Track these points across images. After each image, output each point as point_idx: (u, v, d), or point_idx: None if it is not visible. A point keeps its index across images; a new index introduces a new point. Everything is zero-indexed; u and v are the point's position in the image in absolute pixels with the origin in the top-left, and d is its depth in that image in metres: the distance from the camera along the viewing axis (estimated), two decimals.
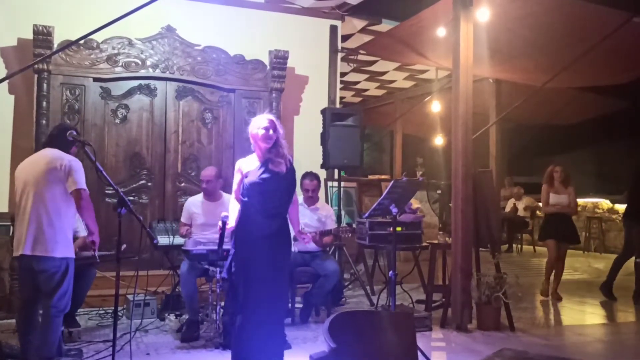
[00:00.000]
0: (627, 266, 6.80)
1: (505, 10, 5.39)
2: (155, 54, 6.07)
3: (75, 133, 3.58)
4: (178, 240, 5.09)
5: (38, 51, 5.40)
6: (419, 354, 3.07)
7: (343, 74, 8.93)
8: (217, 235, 3.88)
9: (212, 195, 5.03)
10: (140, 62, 6.00)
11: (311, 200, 5.32)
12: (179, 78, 6.21)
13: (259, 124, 3.56)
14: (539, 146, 12.54)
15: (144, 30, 6.00)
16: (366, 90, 11.00)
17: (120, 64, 5.91)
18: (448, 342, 4.73)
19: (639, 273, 6.52)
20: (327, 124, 6.15)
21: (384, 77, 9.97)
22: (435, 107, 9.17)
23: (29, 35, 5.48)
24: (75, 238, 4.05)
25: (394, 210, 4.18)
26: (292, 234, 3.88)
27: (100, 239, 3.77)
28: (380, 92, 11.20)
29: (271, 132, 3.53)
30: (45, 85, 5.56)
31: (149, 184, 6.15)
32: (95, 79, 5.86)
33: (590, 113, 9.84)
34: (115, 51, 5.89)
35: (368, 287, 6.31)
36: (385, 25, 7.49)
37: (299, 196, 4.94)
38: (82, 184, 3.56)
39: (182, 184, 6.26)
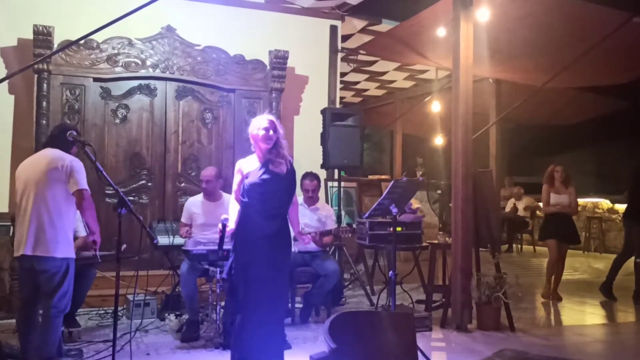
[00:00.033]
0: (627, 266, 6.80)
1: (505, 10, 5.39)
2: (155, 54, 6.07)
3: (75, 133, 3.58)
4: (178, 240, 5.09)
5: (38, 51, 5.40)
6: (419, 354, 3.07)
7: (343, 74, 8.93)
8: (217, 235, 3.88)
9: (212, 195, 5.04)
10: (140, 62, 6.00)
11: (311, 200, 5.32)
12: (179, 78, 6.21)
13: (259, 124, 3.55)
14: (539, 146, 12.55)
15: (144, 30, 6.00)
16: (366, 90, 11.00)
17: (120, 64, 5.91)
18: (448, 342, 4.73)
19: (638, 273, 6.52)
20: (327, 124, 6.15)
21: (384, 77, 9.98)
22: (435, 107, 9.17)
23: (29, 35, 5.48)
24: (75, 238, 4.05)
25: (394, 210, 4.18)
26: (292, 234, 3.88)
27: (101, 239, 3.77)
28: (380, 92, 11.20)
29: (271, 132, 3.53)
30: (45, 85, 5.56)
31: (149, 184, 6.15)
32: (95, 79, 5.86)
33: (590, 113, 9.85)
34: (115, 51, 5.90)
35: (368, 287, 6.32)
36: (385, 26, 7.49)
37: (299, 196, 4.94)
38: (84, 184, 3.56)
39: (182, 184, 6.26)
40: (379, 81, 10.26)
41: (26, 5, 5.85)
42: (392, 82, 10.28)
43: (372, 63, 9.01)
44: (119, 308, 3.43)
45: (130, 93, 6.09)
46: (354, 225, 5.71)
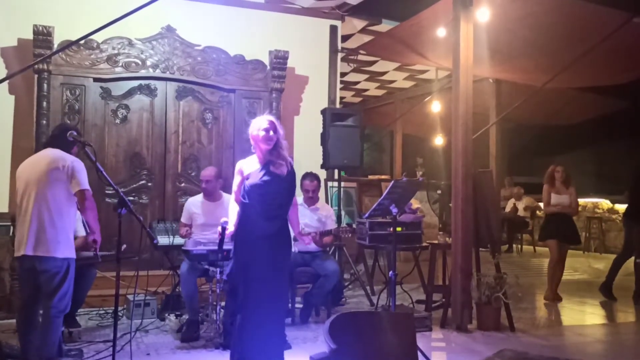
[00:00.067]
0: (627, 266, 6.81)
1: (505, 10, 5.39)
2: (156, 54, 6.07)
3: (75, 133, 3.58)
4: (178, 240, 5.09)
5: (38, 51, 5.41)
6: (419, 354, 3.07)
7: (343, 74, 8.93)
8: (217, 235, 3.89)
9: (212, 195, 5.04)
10: (140, 62, 6.01)
11: (311, 200, 5.32)
12: (179, 78, 6.21)
13: (259, 125, 3.55)
14: (539, 146, 12.56)
15: (144, 30, 6.00)
16: (366, 90, 11.00)
17: (120, 64, 5.91)
18: (448, 342, 4.73)
19: (638, 273, 6.52)
20: (327, 124, 6.15)
21: (384, 77, 9.98)
22: (436, 107, 9.17)
23: (29, 35, 5.48)
24: (74, 238, 4.05)
25: (394, 210, 4.18)
26: (292, 234, 3.88)
27: (101, 239, 3.78)
28: (380, 92, 11.20)
29: (271, 133, 3.53)
30: (45, 85, 5.56)
31: (149, 184, 6.15)
32: (96, 79, 5.87)
33: (590, 113, 9.85)
34: (116, 51, 5.90)
35: (368, 287, 6.32)
36: (385, 26, 7.50)
37: (299, 197, 4.94)
38: (86, 184, 3.57)
39: (182, 184, 6.26)
40: (379, 81, 10.26)
41: (26, 5, 5.86)
42: (392, 82, 10.28)
43: (372, 63, 9.01)
44: (119, 308, 3.43)
45: (130, 93, 6.10)
46: (354, 226, 5.71)
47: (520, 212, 10.31)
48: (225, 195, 5.02)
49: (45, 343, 3.44)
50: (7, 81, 5.56)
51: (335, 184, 6.89)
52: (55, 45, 5.49)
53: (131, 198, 5.91)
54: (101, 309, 5.27)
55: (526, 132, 11.36)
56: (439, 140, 10.44)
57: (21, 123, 5.79)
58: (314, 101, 7.06)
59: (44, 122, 5.51)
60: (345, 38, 7.85)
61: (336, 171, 6.87)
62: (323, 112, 6.32)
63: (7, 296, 5.15)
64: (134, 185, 6.07)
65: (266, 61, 6.48)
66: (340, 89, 8.16)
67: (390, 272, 4.19)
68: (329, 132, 6.11)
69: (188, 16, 6.45)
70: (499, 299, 4.95)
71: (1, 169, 5.69)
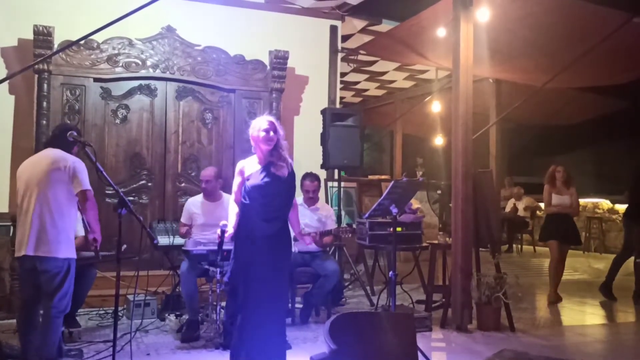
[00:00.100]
0: (626, 266, 6.81)
1: (506, 10, 5.39)
2: (156, 54, 6.07)
3: (75, 133, 3.58)
4: (178, 240, 5.09)
5: (38, 51, 5.41)
6: (419, 354, 3.07)
7: (343, 74, 8.93)
8: (217, 238, 3.89)
9: (212, 195, 5.04)
10: (140, 63, 6.01)
11: (311, 200, 5.32)
12: (179, 78, 6.21)
13: (259, 126, 3.56)
14: (539, 146, 12.56)
15: (144, 30, 6.00)
16: (366, 90, 11.00)
17: (120, 64, 5.91)
18: (448, 342, 4.73)
19: (638, 273, 6.52)
20: (327, 124, 6.15)
21: (384, 77, 9.98)
22: (436, 107, 9.17)
23: (29, 35, 5.48)
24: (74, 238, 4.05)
25: (394, 210, 4.18)
26: (292, 234, 3.88)
27: (101, 239, 3.78)
28: (380, 92, 11.20)
29: (271, 133, 3.53)
30: (45, 85, 5.56)
31: (149, 184, 6.15)
32: (96, 79, 5.87)
33: (590, 113, 9.85)
34: (116, 51, 5.90)
35: (368, 288, 6.32)
36: (385, 26, 7.50)
37: (299, 197, 4.94)
38: (87, 184, 3.57)
39: (182, 184, 6.26)
40: (379, 81, 10.26)
41: (26, 5, 5.85)
42: (392, 82, 10.28)
43: (372, 63, 9.01)
44: (119, 308, 3.43)
45: (130, 93, 6.10)
46: (354, 226, 5.71)
47: (520, 212, 10.31)
48: (225, 195, 5.02)
49: (46, 343, 3.44)
50: (7, 81, 5.56)
51: (335, 184, 6.89)
52: (56, 46, 5.49)
53: (131, 198, 5.91)
54: (101, 309, 5.28)
55: (526, 132, 11.36)
56: (439, 140, 10.44)
57: (21, 123, 5.79)
58: (314, 101, 7.06)
59: (44, 122, 5.51)
60: (345, 38, 7.85)
61: (336, 171, 6.87)
62: (323, 112, 6.32)
63: (7, 296, 5.15)
64: (134, 185, 6.07)
65: (266, 61, 6.48)
66: (340, 89, 8.16)
67: (390, 272, 4.19)
68: (329, 132, 6.11)
69: (188, 16, 6.45)
70: (499, 299, 4.95)
71: (1, 169, 5.69)
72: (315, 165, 6.06)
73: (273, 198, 3.52)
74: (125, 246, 3.80)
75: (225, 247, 3.94)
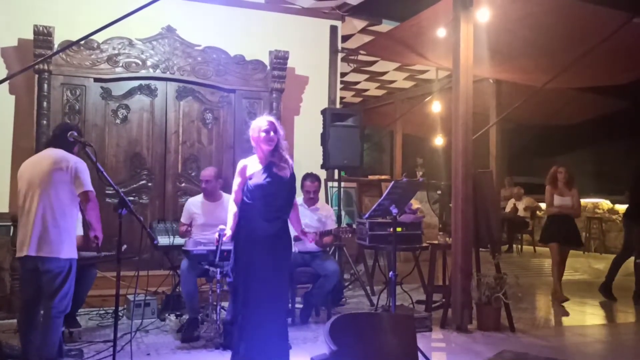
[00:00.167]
0: (626, 266, 6.81)
1: (506, 11, 5.40)
2: (156, 54, 6.07)
3: (76, 134, 3.57)
4: (178, 240, 5.09)
5: (39, 51, 5.41)
6: (419, 354, 3.07)
7: (343, 74, 8.93)
8: (215, 242, 3.90)
9: (212, 195, 5.04)
10: (140, 63, 6.01)
11: (312, 201, 5.32)
12: (180, 78, 6.22)
13: (259, 126, 3.57)
14: (539, 146, 12.57)
15: (145, 30, 6.00)
16: (366, 90, 11.00)
17: (120, 64, 5.92)
18: (448, 342, 4.73)
19: (638, 274, 6.52)
20: (327, 124, 6.16)
21: (384, 78, 9.98)
22: (436, 107, 9.18)
23: (29, 35, 5.48)
24: None
25: (394, 210, 4.18)
26: (292, 234, 3.89)
27: (102, 236, 3.77)
28: (380, 93, 11.21)
29: (272, 134, 3.55)
30: (45, 85, 5.56)
31: (149, 184, 6.16)
32: (96, 79, 5.87)
33: (590, 113, 9.85)
34: (116, 51, 5.90)
35: (368, 288, 6.32)
36: (385, 26, 7.50)
37: (299, 197, 4.94)
38: (89, 185, 3.57)
39: (183, 184, 6.26)
40: (379, 81, 10.27)
41: (26, 5, 5.86)
42: (392, 82, 10.29)
43: (372, 63, 9.01)
44: (120, 308, 3.43)
45: (130, 93, 6.10)
46: (354, 226, 5.71)
47: (521, 212, 10.32)
48: (225, 195, 5.02)
49: (46, 343, 3.44)
50: (8, 81, 5.56)
51: (336, 184, 6.89)
52: (56, 46, 5.49)
53: (131, 198, 5.91)
54: (101, 309, 5.28)
55: (526, 132, 11.36)
56: (439, 141, 10.44)
57: (21, 123, 5.80)
58: (314, 101, 7.06)
59: (45, 122, 5.51)
60: (345, 38, 7.85)
61: (336, 171, 6.87)
62: (323, 112, 6.32)
63: (7, 296, 5.15)
64: (134, 186, 6.07)
65: (266, 61, 6.48)
66: (341, 89, 8.16)
67: (391, 273, 4.19)
68: (329, 132, 6.11)
69: (188, 16, 6.46)
70: (499, 299, 4.95)
71: (1, 169, 5.69)
72: (315, 165, 6.06)
73: (275, 198, 3.54)
74: (125, 246, 3.80)
75: (225, 247, 3.95)
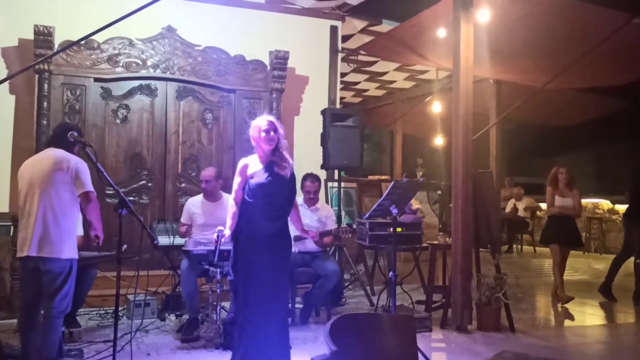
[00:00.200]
0: (626, 267, 6.81)
1: (506, 11, 5.40)
2: (156, 54, 6.08)
3: (76, 134, 3.57)
4: (178, 240, 5.09)
5: (39, 51, 5.41)
6: (419, 355, 3.08)
7: (343, 75, 8.94)
8: (214, 243, 3.90)
9: (212, 195, 5.04)
10: (140, 63, 6.01)
11: (312, 201, 5.33)
12: (180, 78, 6.22)
13: (259, 126, 3.58)
14: (539, 147, 12.57)
15: (145, 30, 6.01)
16: (366, 90, 11.01)
17: (121, 64, 5.92)
18: (448, 342, 4.73)
19: (638, 274, 6.52)
20: (327, 124, 6.16)
21: (384, 78, 9.98)
22: (436, 107, 9.18)
23: (29, 35, 5.49)
24: None
25: (394, 211, 4.18)
26: (292, 234, 3.89)
27: (103, 236, 3.78)
28: (380, 93, 11.21)
29: (272, 133, 3.56)
30: (46, 85, 5.56)
31: (150, 184, 6.16)
32: (96, 79, 5.87)
33: (590, 114, 9.85)
34: (116, 51, 5.90)
35: (368, 288, 6.32)
36: (385, 26, 7.50)
37: (299, 197, 4.94)
38: (90, 185, 3.57)
39: (183, 185, 6.27)
40: (379, 81, 10.27)
41: (27, 5, 5.86)
42: (392, 82, 10.29)
43: (372, 63, 9.02)
44: (120, 308, 3.43)
45: (130, 93, 6.10)
46: (354, 226, 5.71)
47: (521, 213, 10.32)
48: (225, 195, 5.02)
49: (46, 343, 3.44)
50: (8, 81, 5.56)
51: (336, 184, 6.89)
52: (56, 46, 5.50)
53: (131, 198, 5.91)
54: (101, 309, 5.28)
55: (526, 132, 11.36)
56: (439, 141, 10.44)
57: (22, 123, 5.80)
58: (314, 101, 7.07)
59: (45, 122, 5.52)
60: (345, 38, 7.85)
61: (336, 171, 6.87)
62: (323, 112, 6.32)
63: (7, 296, 5.15)
64: (134, 186, 6.08)
65: (266, 61, 6.48)
66: (341, 89, 8.16)
67: (391, 273, 4.19)
68: (329, 133, 6.11)
69: (188, 16, 6.46)
70: (499, 300, 4.95)
71: (2, 169, 5.69)
72: (315, 165, 6.06)
73: (276, 197, 3.55)
74: (125, 246, 3.80)
75: (224, 247, 3.95)
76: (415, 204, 6.63)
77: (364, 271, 6.84)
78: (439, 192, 7.45)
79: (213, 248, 4.20)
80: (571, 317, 5.87)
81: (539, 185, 11.27)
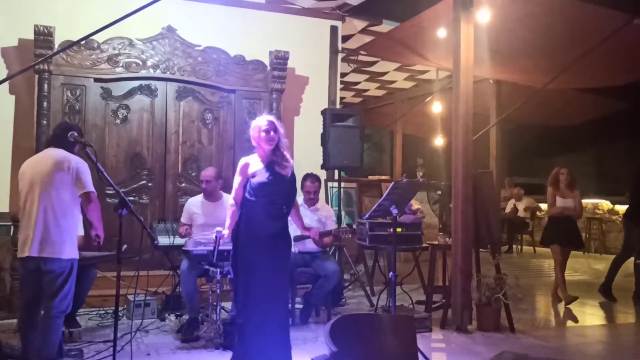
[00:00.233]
0: (626, 267, 6.81)
1: (506, 11, 5.40)
2: (156, 55, 6.08)
3: (76, 134, 3.57)
4: (178, 240, 5.09)
5: (39, 51, 5.41)
6: (419, 355, 3.07)
7: (343, 75, 8.94)
8: (213, 243, 3.90)
9: (212, 195, 5.04)
10: (140, 63, 6.01)
11: (312, 201, 5.33)
12: (180, 78, 6.22)
13: (259, 126, 3.59)
14: (539, 147, 12.59)
15: (145, 30, 6.01)
16: (366, 90, 11.01)
17: (121, 65, 5.92)
18: (448, 343, 4.73)
19: (638, 274, 6.52)
20: (327, 124, 6.15)
21: (384, 78, 9.98)
22: (436, 107, 9.18)
23: (30, 35, 5.49)
24: None
25: (394, 211, 4.18)
26: (292, 235, 3.89)
27: (104, 235, 3.78)
28: (380, 93, 11.21)
29: (272, 133, 3.56)
30: (46, 85, 5.56)
31: (150, 184, 6.16)
32: (96, 80, 5.87)
33: (590, 114, 9.86)
34: (116, 51, 5.90)
35: (368, 288, 6.32)
36: (385, 26, 7.50)
37: (299, 197, 4.94)
38: (90, 186, 3.56)
39: (183, 185, 6.27)
40: (379, 81, 10.27)
41: (27, 5, 5.86)
42: (392, 82, 10.29)
43: (372, 63, 9.02)
44: (120, 308, 3.43)
45: (130, 93, 6.10)
46: (354, 226, 5.70)
47: (521, 213, 10.32)
48: (225, 195, 5.02)
49: (46, 343, 3.44)
50: (8, 81, 5.56)
51: (336, 184, 6.89)
52: (56, 46, 5.50)
53: (131, 198, 5.91)
54: (101, 309, 5.27)
55: (526, 132, 11.37)
56: (439, 141, 10.44)
57: (22, 123, 5.80)
58: (314, 101, 7.07)
59: (45, 122, 5.52)
60: (345, 38, 7.85)
61: (336, 172, 6.87)
62: (323, 112, 6.32)
63: (7, 296, 5.15)
64: (135, 186, 6.08)
65: (266, 61, 6.48)
66: (341, 89, 8.17)
67: (390, 273, 4.19)
68: (329, 133, 6.11)
69: (188, 16, 6.46)
70: (498, 300, 4.95)
71: (2, 169, 5.69)
72: (315, 165, 6.06)
73: (278, 196, 3.56)
74: (125, 246, 3.80)
75: (224, 247, 3.95)
76: (415, 204, 6.62)
77: (363, 271, 6.84)
78: (439, 192, 7.45)
79: (213, 248, 4.21)
80: (574, 318, 5.87)
81: (539, 186, 11.29)
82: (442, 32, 5.91)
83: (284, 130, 3.69)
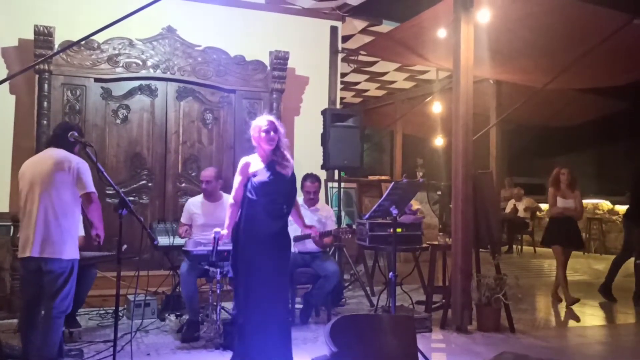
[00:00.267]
0: (626, 267, 6.81)
1: (506, 11, 5.40)
2: (156, 55, 6.08)
3: (76, 134, 3.57)
4: (178, 240, 5.09)
5: (39, 51, 5.41)
6: (419, 355, 3.08)
7: (343, 75, 8.94)
8: (211, 243, 3.91)
9: (212, 195, 5.04)
10: (141, 63, 6.01)
11: (312, 201, 5.33)
12: (180, 79, 6.22)
13: (259, 126, 3.59)
14: (539, 147, 12.59)
15: (145, 30, 6.01)
16: (366, 90, 11.01)
17: (121, 65, 5.92)
18: (448, 343, 4.73)
19: (638, 274, 6.51)
20: (327, 124, 6.16)
21: (385, 78, 9.98)
22: (436, 107, 9.18)
23: (30, 35, 5.49)
24: None
25: (394, 211, 4.18)
26: (292, 235, 3.90)
27: (104, 235, 3.78)
28: (380, 93, 11.21)
29: (272, 133, 3.57)
30: (46, 85, 5.57)
31: (150, 184, 6.16)
32: (96, 80, 5.88)
33: (590, 114, 9.86)
34: (116, 52, 5.90)
35: (368, 288, 6.32)
36: (385, 26, 7.50)
37: (299, 197, 4.94)
38: (91, 186, 3.56)
39: (183, 185, 6.27)
40: (379, 82, 10.27)
41: (27, 5, 5.86)
42: (392, 82, 10.29)
43: (372, 64, 9.02)
44: (120, 308, 3.43)
45: (131, 93, 6.10)
46: (354, 226, 5.71)
47: (521, 213, 10.32)
48: (225, 195, 5.02)
49: (46, 343, 3.44)
50: (8, 81, 5.57)
51: (336, 184, 6.89)
52: (56, 46, 5.50)
53: (131, 198, 5.91)
54: (101, 309, 5.28)
55: (526, 133, 11.37)
56: (439, 141, 10.44)
57: (22, 123, 5.80)
58: (314, 102, 7.07)
59: (45, 122, 5.52)
60: (345, 39, 7.85)
61: (336, 172, 6.87)
62: (323, 112, 6.32)
63: (7, 296, 5.15)
64: (135, 186, 6.08)
65: (266, 62, 6.49)
66: (341, 89, 8.17)
67: (390, 273, 4.19)
68: (329, 133, 6.11)
69: (188, 17, 6.46)
70: (499, 300, 4.95)
71: (2, 169, 5.69)
72: (315, 165, 6.06)
73: (278, 195, 3.57)
74: (125, 246, 3.80)
75: (224, 247, 3.95)
76: (415, 205, 6.63)
77: (363, 272, 6.84)
78: (439, 192, 7.45)
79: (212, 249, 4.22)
80: (576, 318, 5.87)
81: (539, 186, 11.31)
82: (442, 33, 5.91)
83: (284, 130, 3.69)
